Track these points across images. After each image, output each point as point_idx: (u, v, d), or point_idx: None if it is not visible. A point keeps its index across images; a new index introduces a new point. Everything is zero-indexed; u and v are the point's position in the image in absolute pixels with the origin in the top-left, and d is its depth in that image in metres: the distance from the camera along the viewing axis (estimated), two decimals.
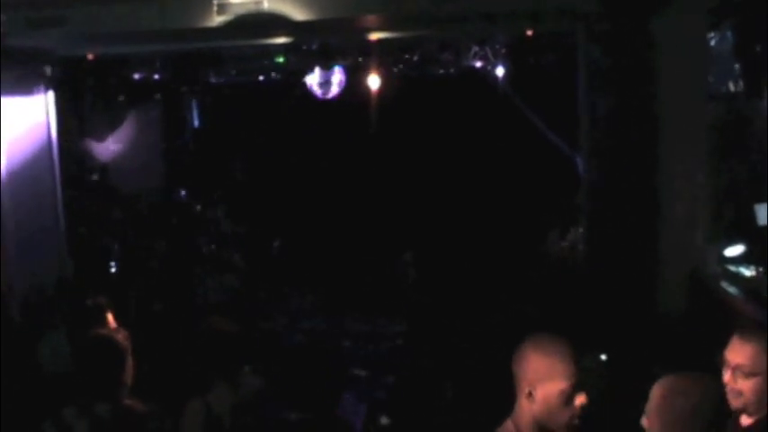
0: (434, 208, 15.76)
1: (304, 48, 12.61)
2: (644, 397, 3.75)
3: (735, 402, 3.88)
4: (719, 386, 3.57)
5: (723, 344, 4.03)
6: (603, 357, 7.15)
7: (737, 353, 3.91)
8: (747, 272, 8.13)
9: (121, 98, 14.58)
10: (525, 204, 14.19)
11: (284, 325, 12.97)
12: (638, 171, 8.67)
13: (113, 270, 11.71)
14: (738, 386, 3.87)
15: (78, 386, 5.03)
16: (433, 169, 16.52)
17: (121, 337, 5.08)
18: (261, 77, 15.51)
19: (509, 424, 3.51)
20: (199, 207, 15.92)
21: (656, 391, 3.42)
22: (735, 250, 8.53)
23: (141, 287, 10.78)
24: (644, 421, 3.51)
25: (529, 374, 3.41)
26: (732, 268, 8.34)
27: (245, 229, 15.57)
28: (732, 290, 7.94)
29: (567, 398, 3.36)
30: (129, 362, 5.02)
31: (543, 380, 3.38)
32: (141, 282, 11.14)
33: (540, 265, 11.53)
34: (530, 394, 3.40)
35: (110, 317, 5.91)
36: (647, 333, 7.61)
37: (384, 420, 8.28)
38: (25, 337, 6.93)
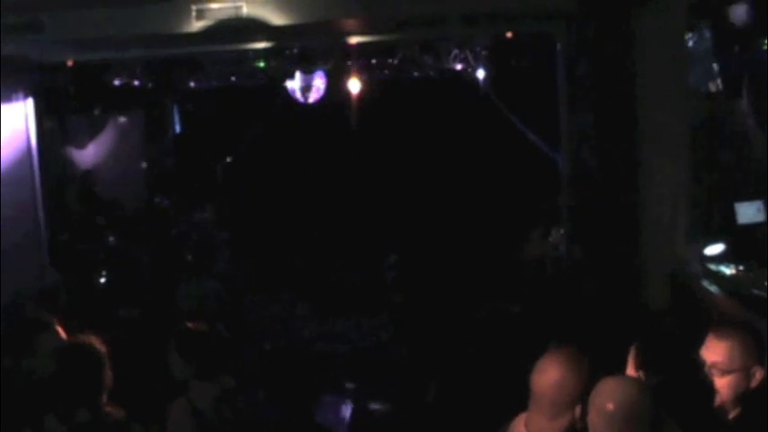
0: (418, 210, 15.76)
1: (285, 52, 12.60)
2: None
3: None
4: (655, 390, 3.58)
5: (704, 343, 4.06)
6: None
7: (713, 351, 3.96)
8: (728, 270, 8.16)
9: (102, 104, 14.53)
10: (508, 205, 14.21)
11: (266, 328, 12.95)
12: (618, 171, 8.68)
13: (96, 277, 11.65)
14: (715, 384, 3.90)
15: (58, 394, 5.02)
16: (415, 172, 16.53)
17: (98, 343, 5.08)
18: (242, 82, 15.50)
19: None
20: (181, 212, 15.86)
21: (592, 394, 3.45)
22: (715, 249, 8.56)
23: (124, 293, 10.73)
24: None
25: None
26: (713, 267, 8.37)
27: (229, 233, 15.52)
28: (713, 288, 7.97)
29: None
30: (108, 367, 5.02)
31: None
32: (124, 288, 11.10)
33: (524, 266, 11.54)
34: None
35: (59, 329, 5.88)
36: (628, 332, 7.62)
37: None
38: (6, 345, 6.86)
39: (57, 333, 5.81)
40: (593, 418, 3.40)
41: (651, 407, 3.39)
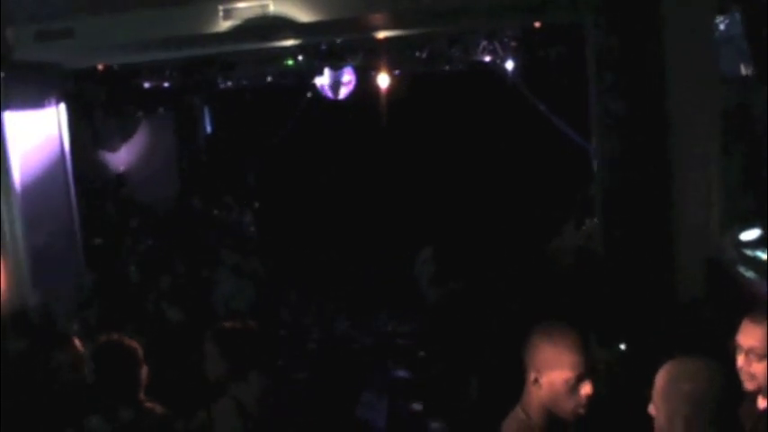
0: (451, 204, 15.72)
1: (313, 49, 12.61)
2: None
3: (749, 385, 3.87)
4: (726, 371, 3.55)
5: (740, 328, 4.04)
6: (623, 347, 7.11)
7: (750, 336, 3.92)
8: (764, 255, 8.07)
9: (133, 107, 14.60)
10: (540, 197, 14.14)
11: (305, 326, 12.95)
12: (650, 159, 8.62)
13: (132, 279, 11.71)
14: (752, 369, 3.86)
15: (98, 393, 5.17)
16: (447, 165, 16.50)
17: (131, 341, 5.23)
18: (271, 81, 15.53)
19: (518, 410, 3.65)
20: (215, 213, 15.93)
21: (660, 377, 3.43)
22: (751, 234, 8.48)
23: (160, 295, 10.78)
24: (651, 409, 3.51)
25: (536, 361, 3.56)
26: (749, 252, 8.29)
27: (262, 232, 15.56)
28: (750, 274, 7.89)
29: (572, 387, 3.50)
30: (143, 364, 5.17)
31: (549, 368, 3.52)
32: (160, 290, 11.15)
33: (557, 258, 11.46)
34: (536, 380, 3.55)
35: (76, 341, 5.94)
36: (665, 321, 7.58)
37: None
38: (44, 348, 6.94)
39: (74, 348, 5.87)
40: (667, 398, 3.38)
41: (727, 389, 3.38)
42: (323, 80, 14.17)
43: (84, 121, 13.09)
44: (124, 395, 5.09)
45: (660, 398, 3.41)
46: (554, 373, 3.50)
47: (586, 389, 3.49)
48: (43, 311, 9.04)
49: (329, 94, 14.31)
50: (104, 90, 12.98)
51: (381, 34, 10.82)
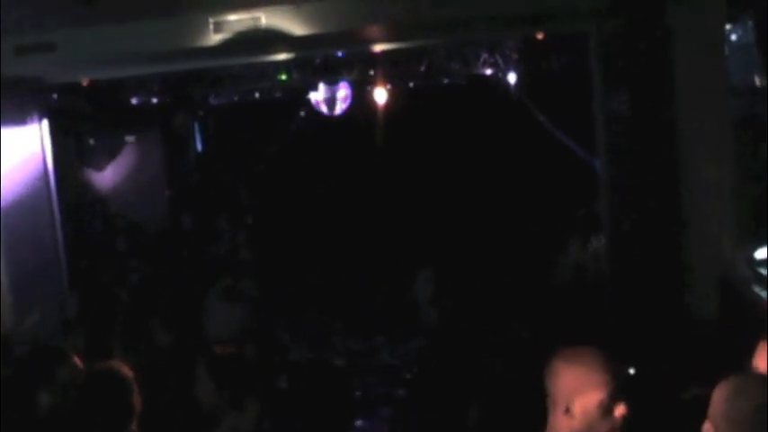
0: (452, 221, 15.61)
1: (307, 63, 12.51)
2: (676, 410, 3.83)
3: None
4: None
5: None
6: (632, 371, 6.94)
7: (766, 358, 3.79)
8: None
9: (119, 124, 14.49)
10: (544, 214, 13.99)
11: (296, 349, 12.78)
12: (659, 174, 8.46)
13: (119, 302, 11.51)
14: None
15: (87, 421, 4.99)
16: (448, 182, 16.41)
17: (125, 368, 5.08)
18: (264, 96, 15.43)
19: None
20: (206, 233, 15.77)
21: (718, 395, 3.30)
22: (765, 252, 8.31)
23: (149, 318, 10.60)
24: (706, 426, 3.35)
25: (564, 389, 3.41)
26: (763, 271, 8.14)
27: (255, 252, 15.36)
28: (765, 293, 7.73)
29: (606, 409, 3.38)
30: (136, 392, 5.00)
31: (579, 393, 3.38)
32: (149, 313, 10.96)
33: (562, 276, 11.31)
34: (567, 410, 3.38)
35: (77, 360, 5.72)
36: (677, 342, 7.44)
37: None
38: (28, 376, 6.73)
39: (75, 365, 5.67)
40: (725, 417, 3.25)
41: None
42: (318, 95, 14.03)
43: (69, 139, 12.98)
44: (116, 425, 4.91)
45: (719, 416, 3.29)
46: (586, 397, 3.36)
47: (621, 410, 3.38)
48: (27, 337, 8.85)
49: (324, 109, 14.13)
50: (89, 106, 12.88)
51: (378, 47, 10.73)
